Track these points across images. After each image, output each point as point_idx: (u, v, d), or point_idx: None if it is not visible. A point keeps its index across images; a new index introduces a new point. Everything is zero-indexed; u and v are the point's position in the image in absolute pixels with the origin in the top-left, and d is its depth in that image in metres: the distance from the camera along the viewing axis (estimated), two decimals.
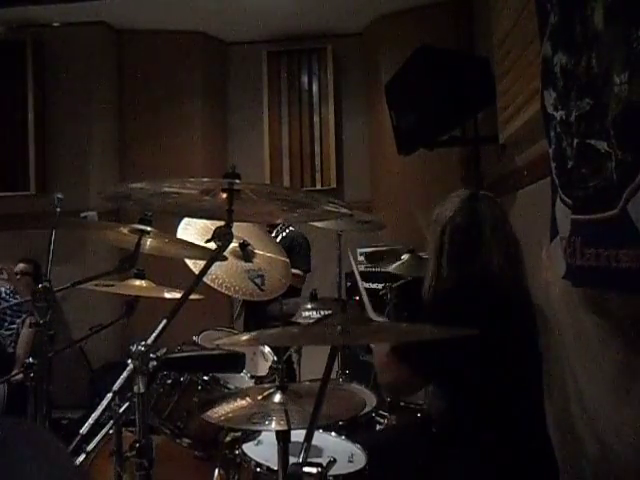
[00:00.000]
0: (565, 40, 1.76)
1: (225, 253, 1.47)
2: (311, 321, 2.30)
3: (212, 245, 1.24)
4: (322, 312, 2.36)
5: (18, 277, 3.83)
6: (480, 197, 1.77)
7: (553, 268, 1.99)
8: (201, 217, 1.95)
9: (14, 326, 3.78)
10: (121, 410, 1.48)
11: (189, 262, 2.02)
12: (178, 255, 1.97)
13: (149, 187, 1.21)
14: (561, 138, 1.83)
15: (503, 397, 1.52)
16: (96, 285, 1.87)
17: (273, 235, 3.34)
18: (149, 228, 1.76)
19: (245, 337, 1.44)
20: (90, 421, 1.10)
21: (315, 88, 4.79)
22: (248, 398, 1.37)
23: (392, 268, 2.96)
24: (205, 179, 1.20)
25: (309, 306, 2.42)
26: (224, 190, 1.20)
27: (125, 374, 1.07)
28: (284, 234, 3.45)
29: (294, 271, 2.97)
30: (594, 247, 1.54)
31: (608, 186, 1.46)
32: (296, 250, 3.31)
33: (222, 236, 1.21)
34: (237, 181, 1.17)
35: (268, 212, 1.45)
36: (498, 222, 1.70)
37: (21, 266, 3.91)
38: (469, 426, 1.55)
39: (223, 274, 2.05)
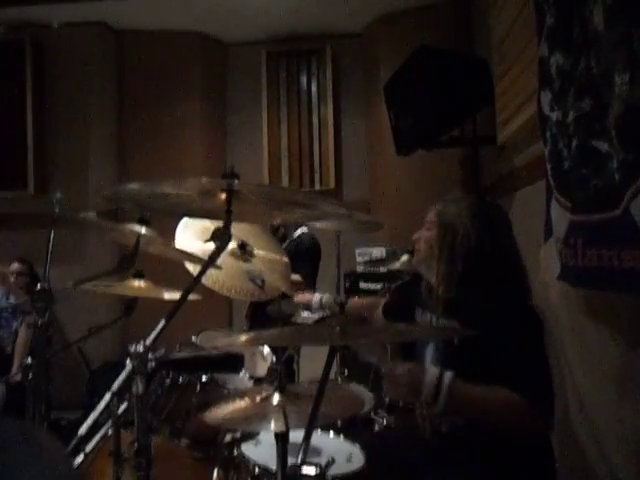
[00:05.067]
0: (562, 41, 1.76)
1: (224, 254, 1.47)
2: (310, 321, 2.30)
3: (211, 245, 1.24)
4: (321, 313, 2.36)
5: (13, 277, 3.81)
6: (490, 204, 1.79)
7: (549, 269, 2.00)
8: (200, 217, 1.95)
9: (12, 327, 3.77)
10: (120, 411, 1.48)
11: (187, 263, 2.02)
12: (175, 258, 1.96)
13: (147, 188, 1.21)
14: (557, 139, 1.83)
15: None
16: (95, 286, 1.87)
17: (280, 236, 3.25)
18: (144, 230, 1.75)
19: (244, 337, 1.44)
20: (89, 422, 1.10)
21: (314, 88, 4.79)
22: (247, 399, 1.37)
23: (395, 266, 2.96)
24: (203, 179, 1.20)
25: None
26: (223, 191, 1.20)
27: (124, 374, 1.07)
28: (294, 237, 3.35)
29: (293, 277, 2.89)
30: (596, 248, 1.53)
31: (609, 187, 1.46)
32: (299, 255, 3.19)
33: (220, 237, 1.21)
34: (235, 182, 1.16)
35: (267, 212, 1.45)
36: (510, 230, 1.73)
37: (16, 266, 3.89)
38: (485, 443, 1.52)
39: (223, 275, 2.04)
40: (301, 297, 2.50)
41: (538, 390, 1.46)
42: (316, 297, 2.45)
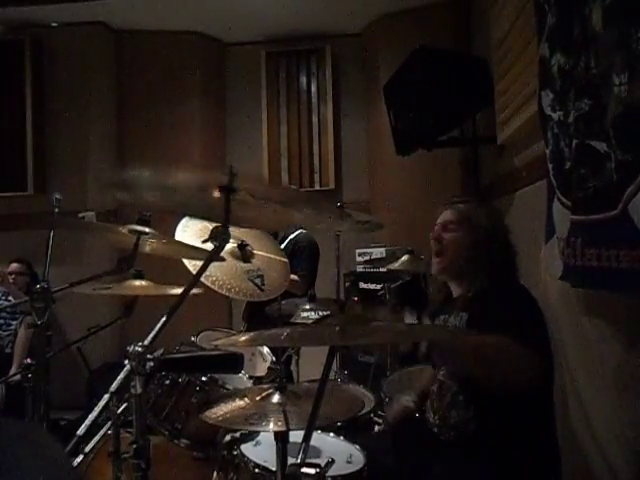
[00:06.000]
0: (563, 41, 1.76)
1: (224, 254, 1.47)
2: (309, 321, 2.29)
3: (209, 246, 1.24)
4: (320, 313, 2.35)
5: (13, 277, 3.81)
6: (493, 208, 1.84)
7: (550, 269, 2.00)
8: (200, 217, 1.95)
9: (11, 327, 3.77)
10: (119, 411, 1.48)
11: (187, 263, 2.02)
12: (176, 255, 1.96)
13: (147, 174, 1.20)
14: (558, 139, 1.84)
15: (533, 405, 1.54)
16: (94, 289, 1.86)
17: (280, 238, 3.28)
18: (147, 229, 1.75)
19: (243, 338, 1.44)
20: (88, 422, 1.10)
21: (314, 88, 4.78)
22: (246, 399, 1.37)
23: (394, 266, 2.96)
24: (203, 173, 1.19)
25: (307, 307, 2.41)
26: (221, 188, 1.19)
27: (122, 375, 1.07)
28: (291, 237, 3.37)
29: (291, 276, 2.89)
30: (595, 248, 1.54)
31: (608, 187, 1.46)
32: (297, 254, 3.22)
33: (219, 236, 1.21)
34: (234, 175, 1.15)
35: (267, 215, 1.44)
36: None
37: (14, 266, 3.89)
38: (493, 436, 1.53)
39: (222, 275, 2.04)
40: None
41: (535, 341, 1.47)
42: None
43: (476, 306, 1.63)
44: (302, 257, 3.20)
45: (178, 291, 1.93)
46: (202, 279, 1.39)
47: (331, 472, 1.32)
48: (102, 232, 2.15)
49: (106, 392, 1.11)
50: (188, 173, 1.19)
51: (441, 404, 1.67)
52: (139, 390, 1.03)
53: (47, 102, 4.48)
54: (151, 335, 1.06)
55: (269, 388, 1.39)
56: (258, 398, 1.36)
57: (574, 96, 1.67)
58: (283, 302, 2.29)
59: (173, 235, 2.08)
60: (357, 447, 1.67)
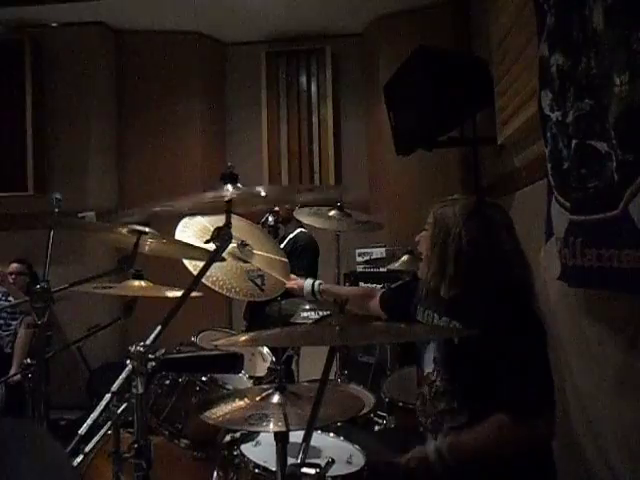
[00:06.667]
0: (562, 41, 1.76)
1: (224, 254, 1.47)
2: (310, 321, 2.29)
3: (211, 246, 1.24)
4: (321, 312, 2.35)
5: (13, 277, 3.82)
6: (489, 204, 1.76)
7: (549, 269, 2.00)
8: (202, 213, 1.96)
9: (11, 327, 3.77)
10: (119, 411, 1.48)
11: (187, 263, 2.02)
12: (176, 256, 1.96)
13: (149, 211, 1.21)
14: (557, 139, 1.84)
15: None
16: (94, 288, 1.86)
17: (279, 238, 3.29)
18: (147, 229, 1.75)
19: (243, 338, 1.44)
20: (88, 422, 1.10)
21: (314, 88, 4.79)
22: (246, 399, 1.37)
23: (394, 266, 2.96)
24: (207, 195, 1.20)
25: (308, 307, 2.41)
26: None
27: (124, 375, 1.07)
28: (291, 236, 3.38)
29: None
30: (595, 248, 1.53)
31: (609, 187, 1.46)
32: (296, 253, 3.23)
33: (221, 237, 1.21)
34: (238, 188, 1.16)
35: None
36: (512, 230, 1.69)
37: (15, 266, 3.90)
38: None
39: (223, 275, 2.04)
40: (292, 283, 2.36)
41: (534, 396, 1.47)
42: (307, 282, 2.34)
43: (465, 315, 1.60)
44: (301, 257, 3.20)
45: (177, 293, 1.93)
46: (202, 279, 1.39)
47: (331, 472, 1.32)
48: (102, 232, 2.14)
49: (106, 392, 1.11)
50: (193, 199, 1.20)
51: (434, 409, 1.66)
52: (141, 390, 1.03)
53: (47, 102, 4.48)
54: (153, 335, 1.06)
55: (269, 388, 1.39)
56: (258, 398, 1.35)
57: (574, 96, 1.67)
58: (283, 302, 2.29)
59: (173, 235, 2.08)
60: (357, 447, 1.67)
